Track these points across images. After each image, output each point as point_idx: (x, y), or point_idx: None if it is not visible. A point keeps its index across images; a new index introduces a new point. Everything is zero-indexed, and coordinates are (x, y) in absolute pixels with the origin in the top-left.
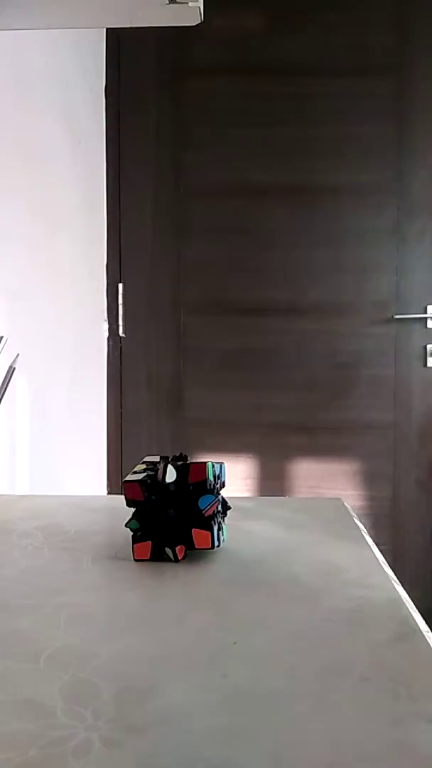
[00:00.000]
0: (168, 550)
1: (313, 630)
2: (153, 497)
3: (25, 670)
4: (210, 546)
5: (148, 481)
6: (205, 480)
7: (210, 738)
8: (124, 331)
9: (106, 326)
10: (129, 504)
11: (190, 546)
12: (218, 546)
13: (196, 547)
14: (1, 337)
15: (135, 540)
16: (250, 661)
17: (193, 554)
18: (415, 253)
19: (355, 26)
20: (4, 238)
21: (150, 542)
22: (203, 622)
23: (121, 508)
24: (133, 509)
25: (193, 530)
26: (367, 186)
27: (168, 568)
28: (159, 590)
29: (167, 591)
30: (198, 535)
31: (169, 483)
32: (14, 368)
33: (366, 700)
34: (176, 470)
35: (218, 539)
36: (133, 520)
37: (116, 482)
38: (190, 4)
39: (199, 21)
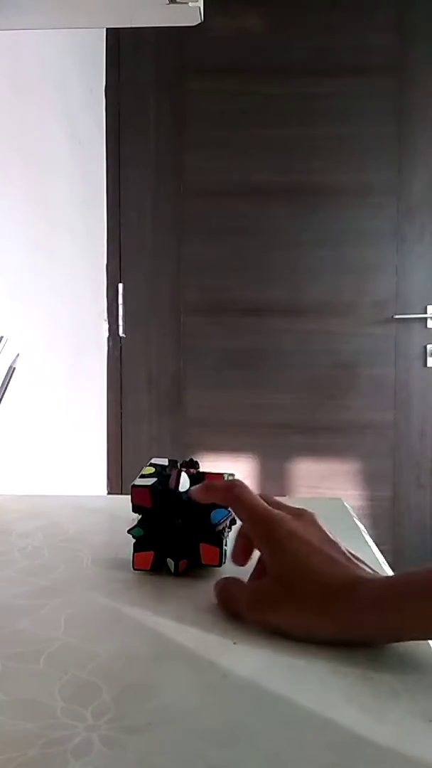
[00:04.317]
0: (170, 562)
1: None
2: (161, 505)
3: (25, 670)
4: (217, 563)
5: (159, 487)
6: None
7: (210, 738)
8: (124, 331)
9: (106, 326)
10: (135, 510)
11: (195, 560)
12: (224, 563)
13: (203, 562)
14: (1, 337)
15: (136, 549)
16: (250, 661)
17: (194, 567)
18: (415, 253)
19: (355, 26)
20: (4, 238)
21: (152, 552)
22: (203, 622)
23: (121, 509)
24: (137, 516)
25: (201, 545)
26: (367, 186)
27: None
28: (159, 590)
29: (167, 591)
30: (206, 550)
31: (182, 492)
32: (14, 368)
33: (366, 700)
34: (190, 479)
35: (224, 556)
36: (138, 528)
37: (116, 482)
38: (190, 4)
39: (199, 21)
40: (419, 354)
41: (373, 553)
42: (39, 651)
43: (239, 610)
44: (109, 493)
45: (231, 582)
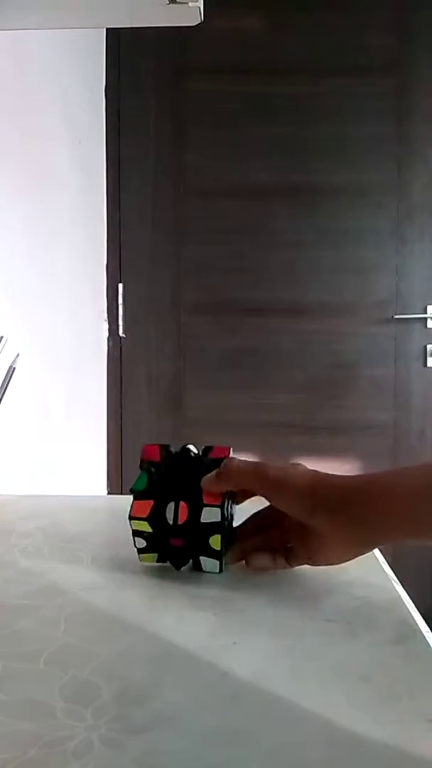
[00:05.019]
0: (169, 508)
1: (313, 630)
2: (171, 460)
3: (25, 670)
4: (219, 503)
5: (170, 448)
6: (228, 457)
7: (210, 738)
8: (124, 331)
9: (106, 326)
10: (143, 466)
11: (196, 502)
12: (224, 564)
13: (204, 502)
14: (1, 337)
15: (136, 497)
16: (250, 661)
17: (193, 560)
18: (415, 253)
19: (355, 26)
20: (3, 238)
21: (152, 501)
22: (203, 622)
23: (121, 508)
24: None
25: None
26: (367, 186)
27: (168, 568)
28: (159, 590)
29: (167, 591)
30: (208, 492)
31: (193, 451)
32: (14, 368)
33: (366, 700)
34: (198, 450)
35: (226, 548)
36: (142, 480)
37: (116, 482)
38: (190, 4)
39: (199, 21)
40: (419, 354)
41: (373, 553)
42: (39, 651)
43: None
44: (109, 493)
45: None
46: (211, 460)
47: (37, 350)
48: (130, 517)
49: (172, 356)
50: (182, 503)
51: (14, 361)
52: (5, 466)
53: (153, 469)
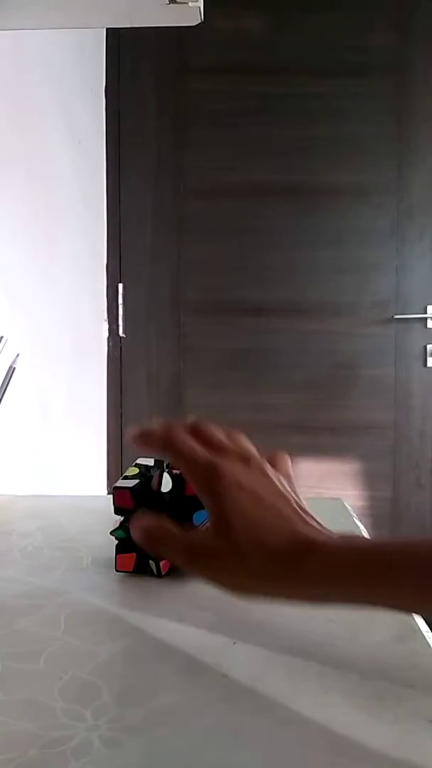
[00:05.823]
0: (152, 563)
1: (313, 630)
2: (143, 507)
3: (25, 670)
4: None
5: (140, 489)
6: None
7: (210, 738)
8: (124, 331)
9: (106, 326)
10: (117, 512)
11: None
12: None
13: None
14: (1, 337)
15: (119, 550)
16: (250, 661)
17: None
18: (415, 253)
19: (355, 26)
20: (3, 238)
21: (134, 554)
22: (203, 623)
23: None
24: (120, 517)
25: None
26: (367, 186)
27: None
28: (159, 590)
29: (167, 591)
30: None
31: (164, 493)
32: (14, 368)
33: (366, 700)
34: (172, 479)
35: None
36: (120, 530)
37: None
38: (190, 4)
39: (199, 21)
40: (419, 354)
41: None
42: (39, 651)
43: (174, 559)
44: (109, 493)
45: (159, 525)
46: (185, 499)
47: (37, 350)
48: (116, 570)
49: (172, 356)
50: (163, 562)
51: (14, 361)
52: (5, 466)
53: (128, 517)
